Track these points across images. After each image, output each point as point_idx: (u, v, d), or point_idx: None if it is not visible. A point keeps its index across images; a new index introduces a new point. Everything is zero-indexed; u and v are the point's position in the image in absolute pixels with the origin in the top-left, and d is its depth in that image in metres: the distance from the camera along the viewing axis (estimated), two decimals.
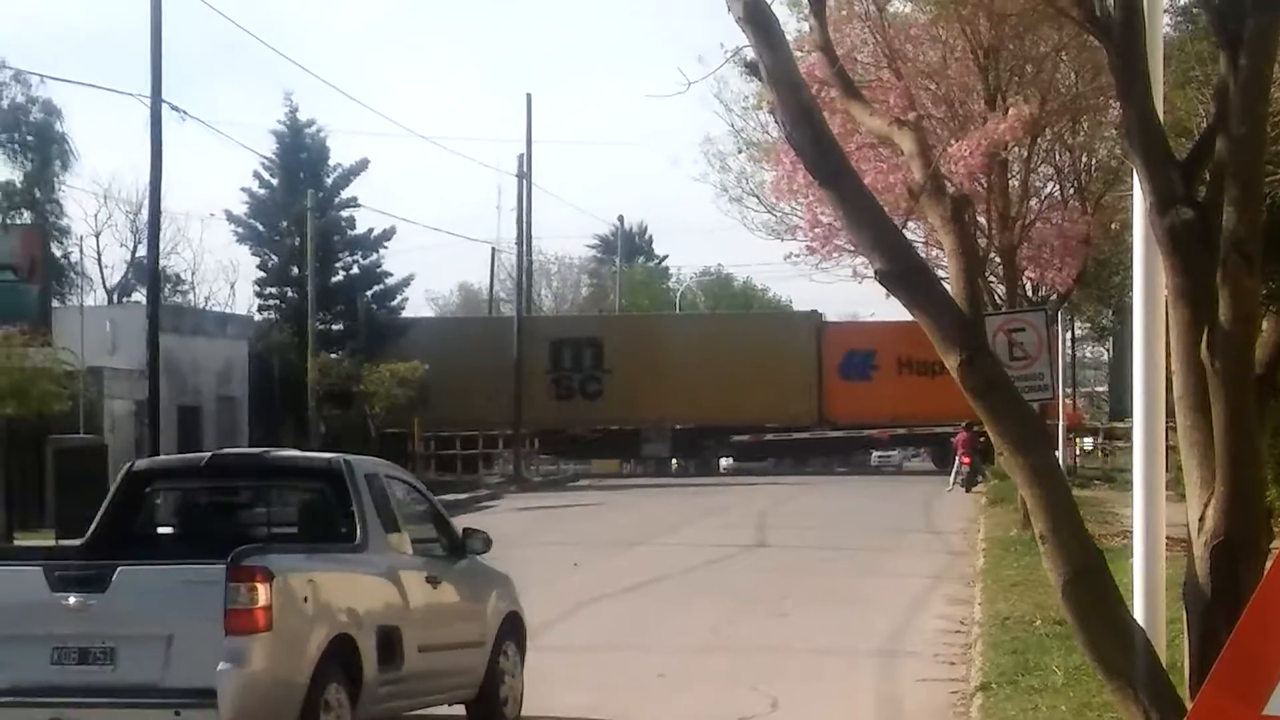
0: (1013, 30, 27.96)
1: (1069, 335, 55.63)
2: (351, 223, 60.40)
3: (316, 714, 12.26)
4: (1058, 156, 34.46)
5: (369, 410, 51.81)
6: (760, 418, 64.81)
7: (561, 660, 19.09)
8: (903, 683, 17.17)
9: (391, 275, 62.30)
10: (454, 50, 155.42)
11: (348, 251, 60.37)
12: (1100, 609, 6.80)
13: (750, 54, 7.46)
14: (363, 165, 60.14)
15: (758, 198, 41.31)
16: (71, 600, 12.16)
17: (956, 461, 53.24)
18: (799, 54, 12.05)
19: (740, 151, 39.72)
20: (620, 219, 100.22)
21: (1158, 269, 8.70)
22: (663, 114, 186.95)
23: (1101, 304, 43.18)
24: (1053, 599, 7.51)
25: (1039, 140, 31.35)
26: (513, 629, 15.68)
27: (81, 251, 63.63)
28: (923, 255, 26.33)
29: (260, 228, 59.71)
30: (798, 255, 32.65)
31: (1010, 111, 26.01)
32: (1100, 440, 61.34)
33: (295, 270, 57.73)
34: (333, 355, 52.61)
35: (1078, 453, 56.99)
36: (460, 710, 15.20)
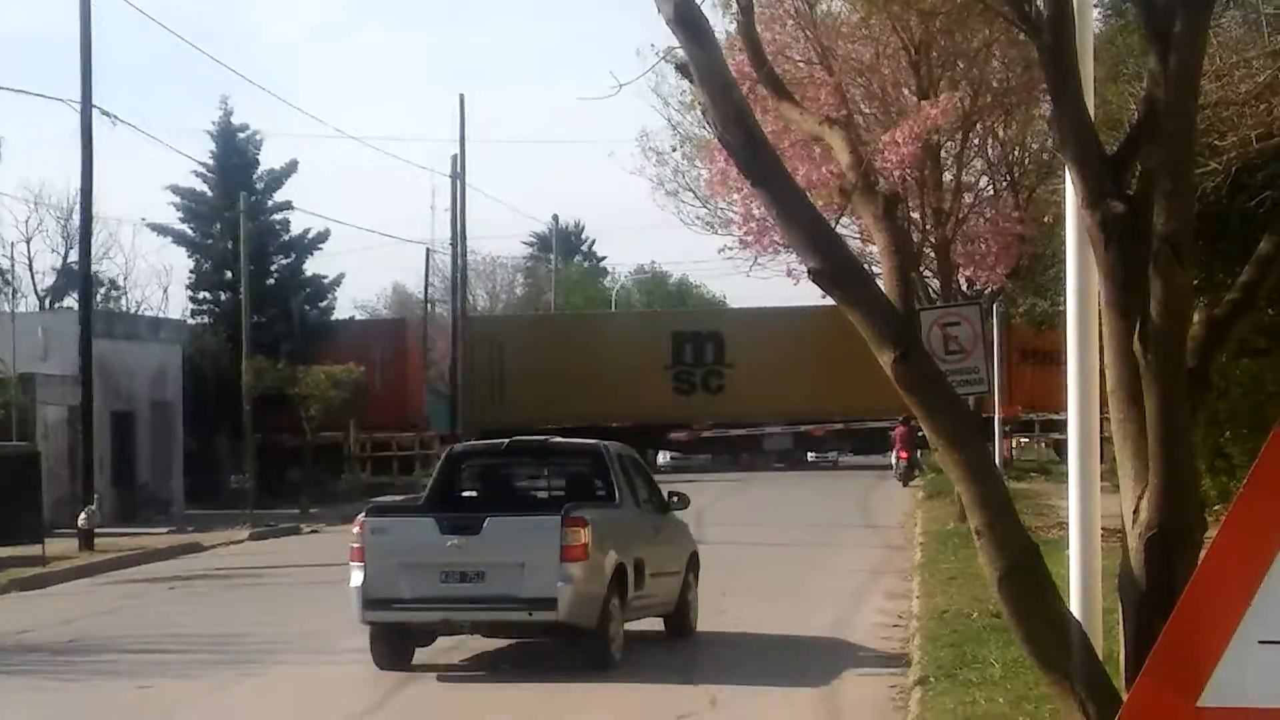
0: (943, 26, 28.05)
1: (1005, 328, 55.84)
2: (285, 226, 60.13)
3: (608, 616, 17.72)
4: (990, 151, 34.59)
5: (304, 413, 51.59)
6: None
7: (505, 657, 19.07)
8: (842, 677, 17.20)
9: (326, 277, 62.05)
10: (389, 52, 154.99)
11: (281, 255, 60.09)
12: (1036, 602, 6.82)
13: (682, 54, 7.45)
14: (292, 167, 59.83)
15: (693, 192, 41.40)
16: (455, 540, 17.65)
17: (895, 455, 53.58)
18: (729, 53, 12.07)
19: (675, 150, 39.77)
20: (555, 218, 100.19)
21: (1090, 263, 8.73)
22: (599, 111, 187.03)
23: (1037, 297, 43.33)
24: (990, 592, 7.53)
25: (971, 134, 31.48)
26: (693, 564, 20.73)
27: (12, 258, 63.13)
28: (858, 252, 26.52)
29: (192, 232, 59.37)
30: (732, 249, 32.67)
31: (942, 97, 26.08)
32: (1037, 433, 61.56)
33: (228, 274, 57.44)
34: (271, 360, 52.28)
35: (1014, 446, 57.23)
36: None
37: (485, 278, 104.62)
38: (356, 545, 18.02)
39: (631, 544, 18.72)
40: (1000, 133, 33.61)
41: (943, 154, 30.74)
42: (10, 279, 63.65)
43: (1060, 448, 57.94)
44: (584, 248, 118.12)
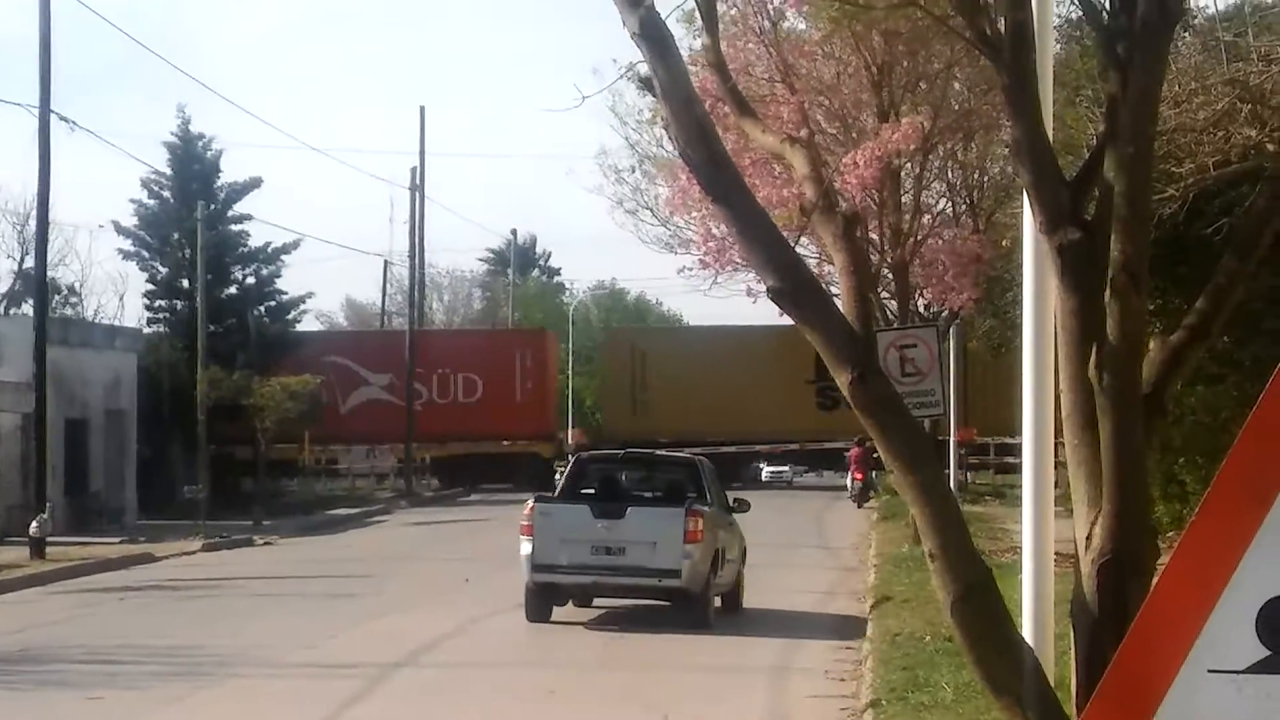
0: (905, 47, 28.15)
1: (961, 351, 55.95)
2: (244, 236, 59.92)
3: (709, 587, 23.36)
4: (950, 173, 34.71)
5: (258, 424, 51.46)
6: None
7: (452, 676, 19.04)
8: (793, 699, 17.21)
9: (285, 292, 61.81)
10: (349, 64, 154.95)
11: (240, 265, 59.89)
12: (988, 627, 6.81)
13: (645, 69, 7.44)
14: (255, 182, 59.58)
15: (652, 211, 41.41)
16: (604, 523, 23.28)
17: (850, 477, 53.67)
18: (693, 69, 12.06)
19: (633, 170, 39.78)
20: (513, 232, 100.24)
21: (1047, 287, 8.76)
22: (558, 128, 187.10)
23: (995, 319, 43.50)
24: (942, 616, 7.52)
25: (931, 157, 31.58)
26: (744, 555, 25.96)
27: None
28: (816, 271, 26.57)
29: (150, 239, 59.13)
30: (691, 269, 32.68)
31: (905, 121, 26.15)
32: (992, 457, 61.71)
33: (185, 283, 57.23)
34: (226, 372, 52.13)
35: (967, 472, 57.34)
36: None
37: (443, 290, 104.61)
38: (526, 523, 23.43)
39: (718, 535, 23.92)
40: (960, 155, 33.71)
41: (902, 175, 30.82)
42: None
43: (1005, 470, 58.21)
44: (541, 262, 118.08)
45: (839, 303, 7.69)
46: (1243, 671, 3.88)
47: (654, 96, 7.84)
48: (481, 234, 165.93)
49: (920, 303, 34.76)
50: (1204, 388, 24.38)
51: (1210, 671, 3.90)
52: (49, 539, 35.24)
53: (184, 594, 29.07)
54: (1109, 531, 6.38)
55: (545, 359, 68.65)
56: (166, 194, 58.39)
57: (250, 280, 60.02)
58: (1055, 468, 10.78)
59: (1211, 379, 24.23)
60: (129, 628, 23.90)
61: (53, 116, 38.51)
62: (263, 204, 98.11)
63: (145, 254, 59.11)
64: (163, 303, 59.30)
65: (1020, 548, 10.87)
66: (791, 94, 24.46)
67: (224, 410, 50.99)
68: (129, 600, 27.92)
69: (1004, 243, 30.58)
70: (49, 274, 46.77)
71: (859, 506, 50.59)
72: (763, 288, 7.51)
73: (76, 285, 69.09)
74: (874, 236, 30.22)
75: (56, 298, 64.38)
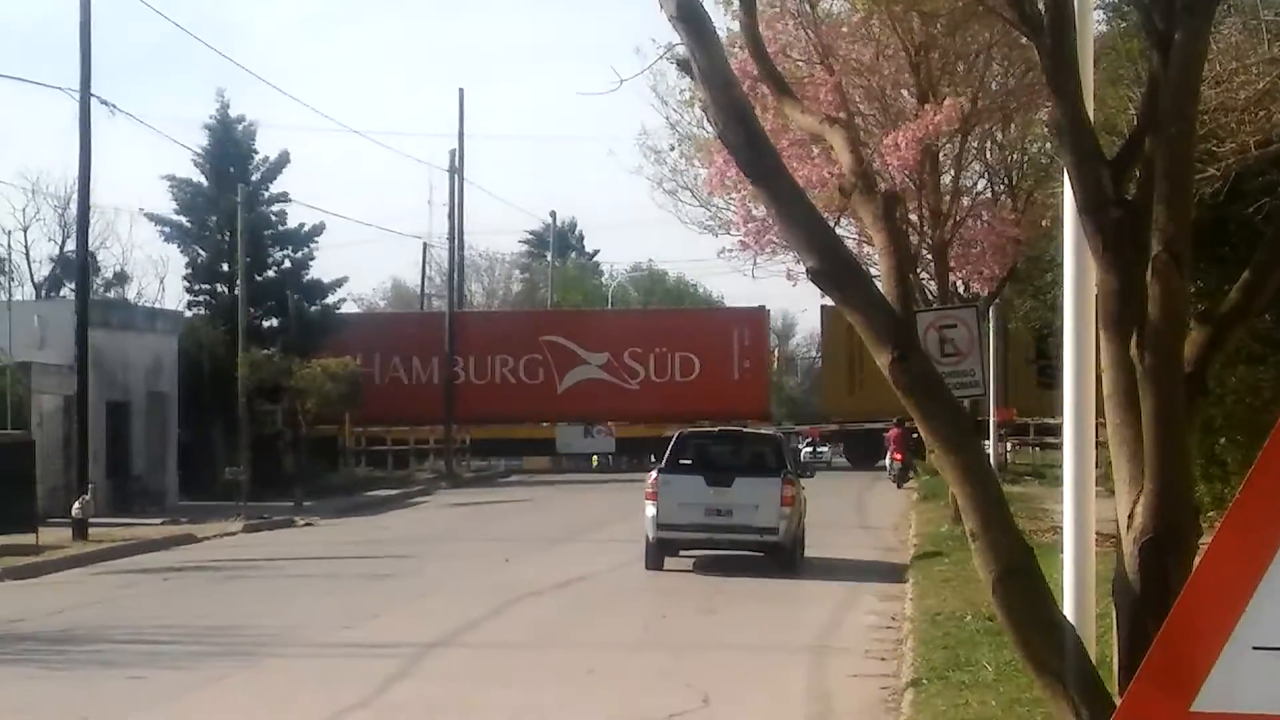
0: (944, 28, 28.06)
1: (1001, 332, 55.77)
2: (282, 218, 60.02)
3: (797, 542, 28.28)
4: (988, 154, 34.58)
5: (300, 406, 51.59)
6: None
7: (493, 657, 19.09)
8: (834, 678, 17.21)
9: (316, 271, 61.94)
10: (388, 46, 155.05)
11: (278, 247, 59.99)
12: (1030, 606, 6.82)
13: (683, 51, 7.44)
14: (285, 158, 59.61)
15: (691, 192, 41.28)
16: (715, 490, 27.87)
17: (889, 457, 53.63)
18: (731, 51, 12.07)
19: (673, 149, 39.69)
20: (553, 214, 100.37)
21: (1087, 267, 8.73)
22: (598, 108, 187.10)
23: (1034, 300, 43.34)
24: (983, 595, 7.53)
25: (969, 137, 31.48)
26: (805, 512, 29.11)
27: (9, 246, 63.07)
28: (855, 253, 26.50)
29: (188, 223, 59.28)
30: (731, 250, 32.63)
31: (946, 102, 26.07)
32: (1032, 436, 61.48)
33: (225, 266, 57.36)
34: (265, 352, 52.29)
35: (1008, 449, 57.20)
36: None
37: (482, 273, 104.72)
38: (651, 490, 28.01)
39: (799, 496, 28.44)
40: (999, 136, 33.60)
41: (941, 156, 30.74)
42: (6, 270, 63.60)
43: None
44: (580, 244, 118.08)
45: (879, 283, 7.70)
46: None
47: (692, 79, 7.84)
48: (521, 216, 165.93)
49: (959, 284, 34.66)
50: (1245, 367, 24.31)
51: (1255, 649, 3.91)
52: (91, 520, 35.42)
53: (225, 575, 29.20)
54: (1151, 510, 6.39)
55: (761, 337, 69.33)
56: (204, 178, 58.53)
57: (288, 262, 60.07)
58: (1096, 447, 10.76)
59: (1253, 359, 24.16)
60: (170, 608, 24.01)
61: (93, 100, 38.70)
62: (301, 186, 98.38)
63: (185, 237, 59.27)
64: (203, 285, 59.46)
65: (1060, 527, 10.86)
66: (829, 75, 24.41)
67: (264, 392, 51.15)
68: (170, 581, 28.05)
69: (1043, 223, 30.48)
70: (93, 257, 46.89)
71: (899, 487, 50.55)
72: (802, 269, 7.52)
73: (117, 268, 69.45)
74: (913, 218, 30.15)
75: (103, 281, 64.71)
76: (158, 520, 41.16)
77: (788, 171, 7.58)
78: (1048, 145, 29.77)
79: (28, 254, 68.09)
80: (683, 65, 8.42)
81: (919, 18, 27.04)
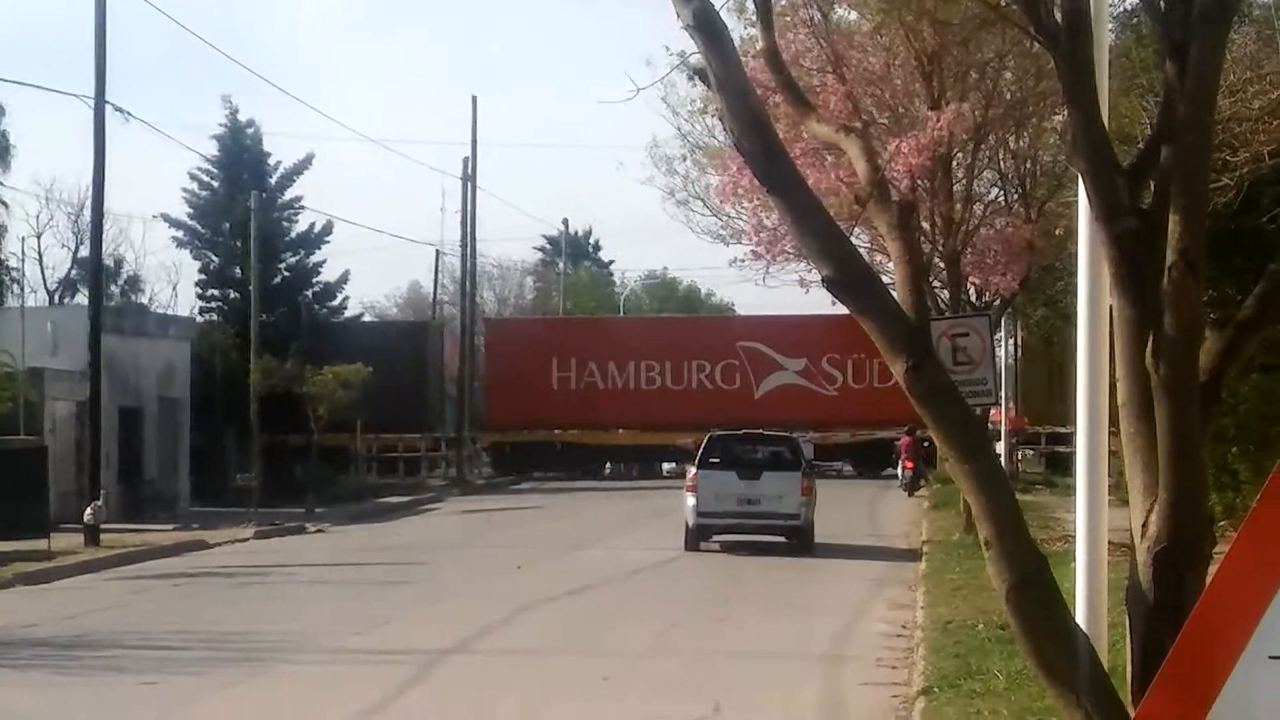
0: (956, 36, 28.03)
1: (1013, 340, 55.74)
2: (293, 219, 60.04)
3: (812, 527, 33.26)
4: (1001, 162, 34.55)
5: (312, 412, 51.59)
6: None
7: (506, 663, 19.09)
8: (845, 687, 17.20)
9: (326, 276, 62.02)
10: (401, 53, 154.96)
11: (290, 252, 60.04)
12: (1044, 614, 6.81)
13: (697, 60, 7.45)
14: (307, 162, 59.72)
15: (703, 201, 41.30)
16: (745, 483, 32.82)
17: (900, 465, 53.59)
18: (745, 59, 12.07)
19: (684, 159, 39.73)
20: (565, 222, 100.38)
21: (1101, 276, 8.73)
22: (609, 118, 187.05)
23: (1047, 308, 43.32)
24: (995, 603, 7.53)
25: (982, 145, 31.45)
26: (815, 500, 33.55)
27: (23, 252, 63.09)
28: (868, 261, 26.47)
29: (201, 229, 59.32)
30: (743, 260, 32.64)
31: (950, 108, 26.04)
32: (1044, 445, 61.44)
33: (238, 271, 57.41)
34: (278, 360, 52.27)
35: (1019, 458, 57.18)
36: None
37: (495, 280, 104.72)
38: (691, 484, 33.12)
39: (812, 488, 33.19)
40: (1012, 144, 33.56)
41: (954, 164, 30.71)
42: (16, 277, 63.64)
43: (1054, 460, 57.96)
44: (593, 252, 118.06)
45: (893, 292, 7.70)
46: None
47: (707, 88, 7.85)
48: (534, 224, 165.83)
49: (971, 291, 34.63)
50: (1259, 376, 24.28)
51: (1272, 658, 3.92)
52: (103, 526, 35.45)
53: (237, 581, 29.22)
54: (1165, 520, 6.38)
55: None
56: (217, 184, 58.58)
57: (299, 266, 60.10)
58: (1109, 456, 10.76)
59: (1266, 368, 24.14)
60: (182, 614, 24.04)
61: (107, 107, 38.74)
62: (315, 194, 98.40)
63: (198, 243, 59.33)
64: (215, 291, 59.49)
65: (1072, 536, 10.85)
66: (841, 84, 24.39)
67: (276, 398, 51.16)
68: (182, 587, 28.08)
69: (1057, 231, 30.46)
70: (107, 261, 46.94)
71: (909, 495, 50.53)
72: (815, 277, 7.53)
73: (131, 273, 69.47)
74: (925, 226, 30.12)
75: (117, 287, 64.76)
76: (169, 526, 41.21)
77: (804, 181, 7.57)
78: (1061, 153, 29.75)
79: (41, 260, 68.21)
80: (698, 74, 8.44)
81: (931, 27, 27.00)
